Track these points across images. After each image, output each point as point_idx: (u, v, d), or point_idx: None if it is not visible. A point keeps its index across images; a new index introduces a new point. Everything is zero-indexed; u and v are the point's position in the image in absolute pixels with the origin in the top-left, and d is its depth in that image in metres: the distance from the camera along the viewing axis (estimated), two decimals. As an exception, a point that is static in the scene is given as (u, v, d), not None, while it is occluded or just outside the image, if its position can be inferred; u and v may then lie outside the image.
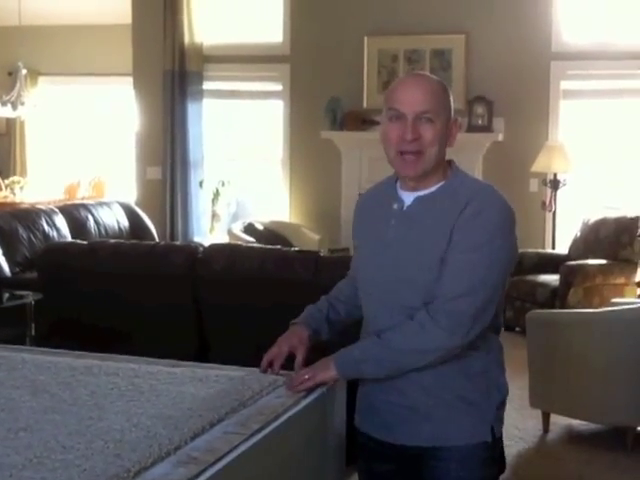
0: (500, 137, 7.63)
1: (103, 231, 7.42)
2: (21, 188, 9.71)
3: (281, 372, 2.33)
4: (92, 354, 2.61)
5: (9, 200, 9.47)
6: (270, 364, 2.33)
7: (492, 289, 2.10)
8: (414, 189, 2.18)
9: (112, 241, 5.30)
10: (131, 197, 8.68)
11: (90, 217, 7.42)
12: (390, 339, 2.12)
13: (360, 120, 7.92)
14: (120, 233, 7.57)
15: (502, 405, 2.24)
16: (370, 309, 2.26)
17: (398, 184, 2.24)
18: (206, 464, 1.74)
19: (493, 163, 7.59)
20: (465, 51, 7.67)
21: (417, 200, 2.18)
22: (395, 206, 2.20)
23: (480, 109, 7.62)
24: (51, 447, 1.78)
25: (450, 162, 2.22)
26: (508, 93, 7.62)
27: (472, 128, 7.57)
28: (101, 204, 7.86)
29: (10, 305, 5.43)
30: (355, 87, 7.94)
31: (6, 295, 5.51)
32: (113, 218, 7.68)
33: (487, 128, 7.62)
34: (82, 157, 10.43)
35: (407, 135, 2.10)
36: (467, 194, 2.13)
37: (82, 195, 9.70)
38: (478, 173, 7.43)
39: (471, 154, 7.39)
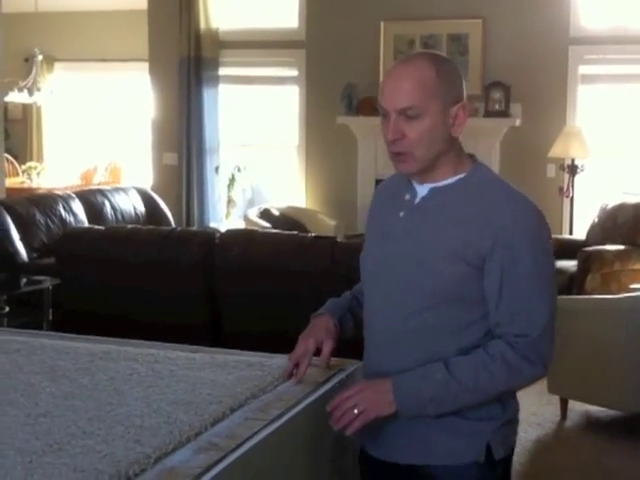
0: (517, 122, 7.58)
1: (120, 217, 7.44)
2: (38, 174, 9.75)
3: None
4: (111, 339, 2.61)
5: (26, 185, 9.50)
6: (296, 366, 2.12)
7: (555, 305, 1.93)
8: (425, 181, 1.94)
9: (129, 226, 5.32)
10: (147, 183, 8.69)
11: (107, 202, 7.43)
12: (470, 380, 1.84)
13: (376, 106, 7.88)
14: (137, 219, 7.58)
15: (508, 424, 1.97)
16: (370, 308, 2.02)
17: None
18: (227, 450, 1.74)
19: (510, 149, 7.55)
20: (482, 36, 7.61)
21: (432, 192, 1.93)
22: (407, 197, 1.96)
23: (497, 94, 7.57)
24: (71, 433, 1.78)
25: (472, 155, 1.98)
26: (525, 78, 7.56)
27: (489, 113, 7.53)
28: (117, 190, 7.87)
29: (28, 290, 5.45)
30: (371, 73, 7.89)
31: (24, 280, 5.53)
32: (130, 204, 7.69)
33: (504, 113, 7.57)
34: (98, 143, 10.46)
35: (388, 135, 1.89)
36: (496, 200, 1.89)
37: (98, 181, 9.73)
38: (495, 159, 7.40)
39: (488, 140, 7.36)
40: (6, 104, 8.78)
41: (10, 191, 8.09)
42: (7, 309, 4.91)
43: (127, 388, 2.10)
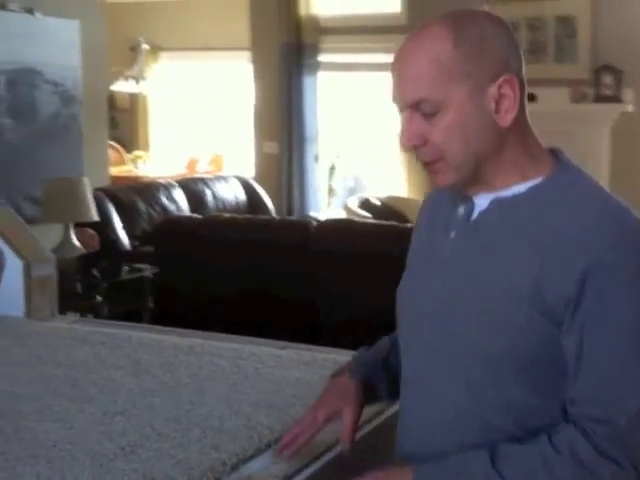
0: (630, 108, 7.23)
1: (221, 205, 7.44)
2: (144, 162, 9.88)
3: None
4: (196, 332, 2.55)
5: (132, 174, 9.64)
6: (294, 439, 1.56)
7: None
8: (482, 190, 1.38)
9: (227, 215, 5.31)
10: (249, 172, 8.69)
11: (208, 191, 7.45)
12: None
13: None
14: (237, 207, 7.57)
15: None
16: (406, 366, 1.48)
17: None
18: (308, 459, 1.62)
19: (623, 136, 7.21)
20: (591, 17, 7.27)
21: (495, 205, 1.36)
22: (461, 210, 1.40)
23: (608, 78, 7.23)
24: (146, 434, 1.70)
25: (554, 151, 1.40)
26: (639, 61, 7.21)
27: (599, 98, 7.21)
28: (219, 178, 7.89)
29: (129, 278, 5.48)
30: (476, 57, 7.68)
31: (125, 269, 5.56)
32: (231, 192, 7.69)
33: (615, 98, 7.24)
34: (202, 132, 10.53)
35: (402, 140, 1.38)
36: (591, 220, 1.30)
37: (202, 169, 9.79)
38: (605, 147, 7.08)
39: (598, 126, 7.04)
40: (114, 93, 8.91)
41: (116, 179, 8.20)
42: (100, 299, 4.92)
43: (209, 386, 2.01)
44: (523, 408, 1.33)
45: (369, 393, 1.58)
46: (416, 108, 1.33)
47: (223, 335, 2.51)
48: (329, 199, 8.45)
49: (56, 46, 5.98)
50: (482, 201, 1.38)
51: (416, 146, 1.35)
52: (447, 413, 1.37)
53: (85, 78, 6.79)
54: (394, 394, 1.55)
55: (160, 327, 2.64)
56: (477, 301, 1.33)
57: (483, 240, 1.36)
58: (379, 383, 1.59)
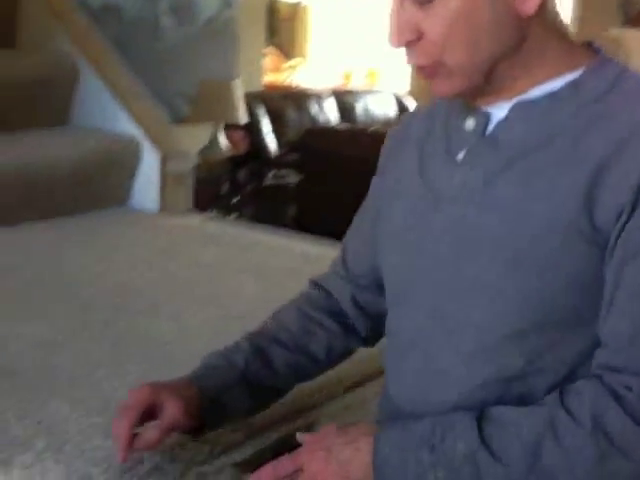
0: None
1: (370, 119, 7.33)
2: (300, 72, 9.82)
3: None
4: (329, 241, 2.45)
5: (287, 83, 9.60)
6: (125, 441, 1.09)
7: None
8: (499, 98, 1.03)
9: (372, 128, 5.20)
10: (404, 88, 8.50)
11: (359, 105, 7.36)
12: (521, 463, 0.91)
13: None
14: (387, 123, 7.43)
15: None
16: (400, 320, 1.12)
17: None
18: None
19: None
20: None
21: (519, 110, 1.02)
22: (469, 124, 1.05)
23: None
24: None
25: (590, 44, 1.05)
26: None
27: None
28: (372, 92, 7.81)
29: (273, 184, 5.50)
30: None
31: (271, 174, 5.58)
32: (382, 107, 7.58)
33: None
34: (360, 45, 10.36)
35: (391, 38, 1.00)
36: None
37: (356, 83, 9.66)
38: None
39: None
40: (276, 2, 8.84)
41: (271, 86, 8.17)
42: (243, 201, 4.93)
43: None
44: (556, 371, 0.98)
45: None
46: None
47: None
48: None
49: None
50: (499, 111, 1.03)
51: (408, 43, 0.99)
52: (452, 384, 1.03)
53: (246, -18, 6.74)
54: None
55: (293, 232, 2.56)
56: (504, 235, 0.98)
57: (507, 157, 1.00)
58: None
